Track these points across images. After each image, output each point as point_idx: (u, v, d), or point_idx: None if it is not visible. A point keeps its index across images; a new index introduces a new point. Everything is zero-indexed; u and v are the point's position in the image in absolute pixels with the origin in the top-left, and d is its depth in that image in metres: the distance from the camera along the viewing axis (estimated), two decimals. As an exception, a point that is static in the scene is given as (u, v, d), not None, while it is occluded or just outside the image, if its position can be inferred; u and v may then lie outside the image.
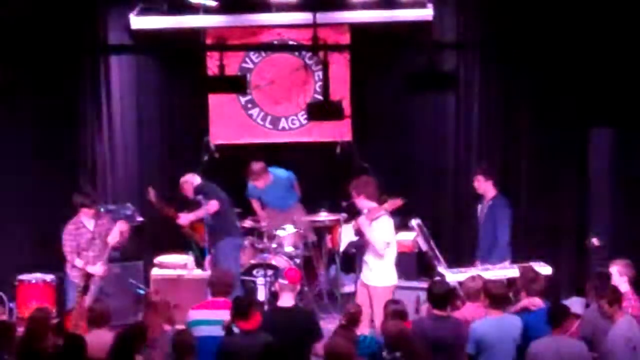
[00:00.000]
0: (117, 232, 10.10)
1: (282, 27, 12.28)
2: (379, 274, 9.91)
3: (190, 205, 11.36)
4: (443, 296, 8.25)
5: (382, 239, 9.77)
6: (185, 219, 11.20)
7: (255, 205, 12.31)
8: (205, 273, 10.87)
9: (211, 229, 11.02)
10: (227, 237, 11.13)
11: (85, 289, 9.87)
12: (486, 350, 7.94)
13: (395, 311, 8.25)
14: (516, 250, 10.72)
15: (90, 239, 10.13)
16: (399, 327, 7.77)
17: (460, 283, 9.44)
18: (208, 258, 11.28)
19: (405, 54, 12.08)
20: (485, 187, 10.71)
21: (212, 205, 10.99)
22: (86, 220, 10.17)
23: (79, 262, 10.04)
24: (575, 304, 9.84)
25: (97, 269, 10.02)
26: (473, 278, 8.71)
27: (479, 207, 10.82)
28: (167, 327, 8.27)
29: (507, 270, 9.91)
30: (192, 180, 11.28)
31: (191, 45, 12.28)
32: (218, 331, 8.06)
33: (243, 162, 12.24)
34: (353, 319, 8.42)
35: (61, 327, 9.03)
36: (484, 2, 11.92)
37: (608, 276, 8.96)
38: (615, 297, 8.18)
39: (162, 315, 8.30)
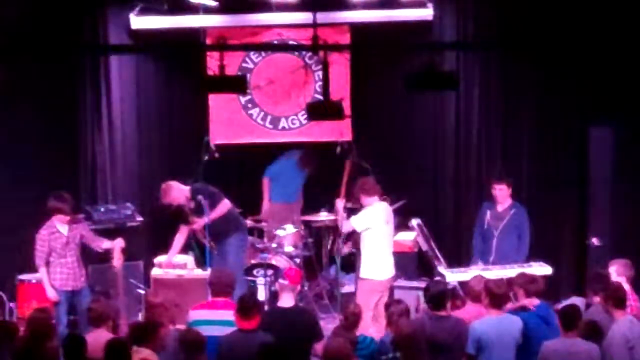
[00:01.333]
0: (119, 252, 10.07)
1: (282, 27, 12.28)
2: (364, 265, 10.14)
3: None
4: (439, 296, 8.25)
5: (347, 220, 10.24)
6: (201, 222, 11.09)
7: (265, 186, 12.39)
8: (205, 273, 10.85)
9: (216, 227, 10.94)
10: (235, 233, 11.09)
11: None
12: (485, 350, 7.94)
13: (404, 310, 8.26)
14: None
15: (65, 243, 10.07)
16: (412, 327, 7.78)
17: (461, 283, 9.45)
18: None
19: (405, 54, 12.07)
20: (506, 195, 10.69)
21: (225, 205, 10.97)
22: (60, 225, 10.10)
23: (42, 272, 10.02)
24: (575, 304, 9.84)
25: (50, 293, 10.01)
26: (478, 280, 8.68)
27: (488, 212, 10.73)
28: (171, 327, 8.25)
29: (507, 270, 9.91)
30: (178, 186, 11.09)
31: (191, 45, 12.28)
32: (219, 331, 8.07)
33: (243, 162, 12.23)
34: (353, 319, 8.41)
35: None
36: (484, 2, 11.93)
37: (608, 276, 8.96)
38: (616, 295, 8.16)
39: (165, 315, 8.28)
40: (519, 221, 10.62)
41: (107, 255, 10.64)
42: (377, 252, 10.17)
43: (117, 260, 9.99)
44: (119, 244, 10.09)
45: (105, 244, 10.25)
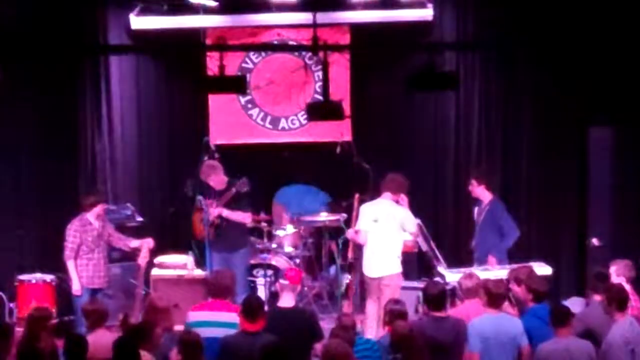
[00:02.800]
0: (147, 251, 10.08)
1: (282, 27, 12.28)
2: None
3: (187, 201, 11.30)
4: (438, 297, 8.24)
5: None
6: (220, 211, 10.91)
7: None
8: (205, 273, 10.83)
9: (231, 233, 10.87)
10: (245, 248, 11.08)
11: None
12: (484, 348, 7.91)
13: (399, 312, 8.26)
14: (516, 250, 10.73)
15: (97, 236, 10.16)
16: (407, 327, 7.78)
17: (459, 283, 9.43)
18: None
19: (405, 54, 12.08)
20: (478, 191, 10.70)
21: (247, 217, 10.93)
22: (92, 218, 10.18)
23: (71, 265, 10.06)
24: (575, 304, 9.85)
25: (76, 286, 10.07)
26: (469, 276, 8.71)
27: (476, 209, 10.81)
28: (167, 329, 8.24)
29: (507, 271, 9.90)
30: (222, 171, 11.00)
31: (191, 45, 12.28)
32: (217, 332, 8.06)
33: (243, 162, 12.22)
34: (348, 323, 8.33)
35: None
36: (484, 2, 11.94)
37: (608, 276, 8.95)
38: (619, 297, 8.13)
39: (165, 320, 8.26)
40: (492, 218, 10.57)
41: (109, 255, 10.66)
42: (366, 250, 10.32)
43: (143, 259, 10.02)
44: (148, 243, 10.14)
45: (133, 242, 10.34)
